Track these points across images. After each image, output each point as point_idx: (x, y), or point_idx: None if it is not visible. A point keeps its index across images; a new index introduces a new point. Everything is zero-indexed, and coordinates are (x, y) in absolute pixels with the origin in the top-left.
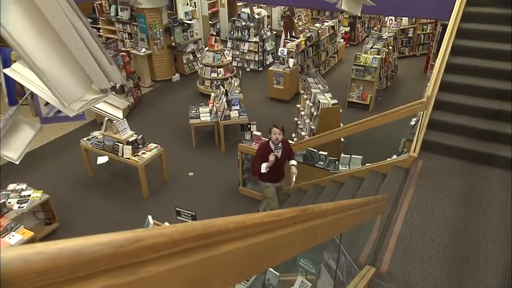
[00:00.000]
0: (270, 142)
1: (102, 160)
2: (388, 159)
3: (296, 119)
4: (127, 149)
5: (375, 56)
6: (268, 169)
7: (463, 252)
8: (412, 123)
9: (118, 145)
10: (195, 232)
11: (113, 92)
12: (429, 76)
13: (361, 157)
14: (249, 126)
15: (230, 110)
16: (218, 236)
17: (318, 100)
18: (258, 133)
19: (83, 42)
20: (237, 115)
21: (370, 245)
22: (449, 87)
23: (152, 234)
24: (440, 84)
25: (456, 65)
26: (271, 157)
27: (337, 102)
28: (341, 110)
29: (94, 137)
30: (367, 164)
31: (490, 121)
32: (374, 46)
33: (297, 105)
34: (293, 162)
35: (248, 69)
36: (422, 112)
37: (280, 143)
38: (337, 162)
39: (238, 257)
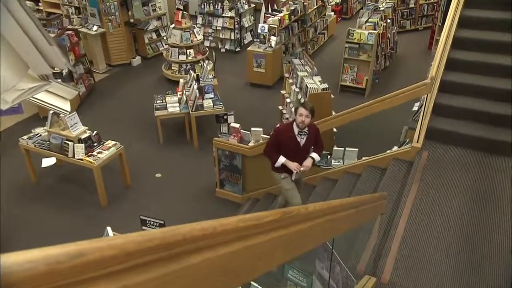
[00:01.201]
0: (294, 125)
1: (48, 162)
2: (388, 151)
3: (280, 107)
4: (79, 149)
5: (371, 31)
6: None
7: (476, 257)
8: (415, 108)
9: (68, 144)
10: (153, 242)
11: (59, 80)
12: (434, 53)
13: (357, 150)
14: (225, 117)
15: (203, 99)
16: (182, 246)
17: (306, 85)
18: (237, 125)
19: (13, 18)
20: (211, 104)
21: (369, 251)
22: (457, 65)
23: (98, 246)
24: (446, 62)
25: (465, 40)
26: (292, 165)
27: (327, 86)
28: (332, 96)
29: (37, 134)
30: (363, 158)
31: (504, 104)
32: (369, 20)
33: (282, 91)
34: (314, 154)
35: (223, 50)
36: (426, 96)
37: (306, 128)
38: (329, 156)
39: (208, 270)
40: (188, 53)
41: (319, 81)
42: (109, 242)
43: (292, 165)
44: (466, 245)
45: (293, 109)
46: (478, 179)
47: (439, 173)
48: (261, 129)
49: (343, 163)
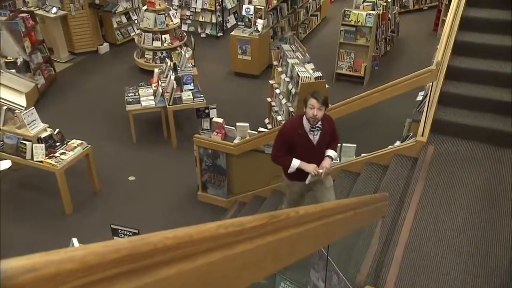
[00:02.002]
0: (304, 119)
1: (2, 165)
2: (390, 146)
3: (269, 99)
4: (39, 149)
5: (369, 12)
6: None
7: (490, 263)
8: (419, 98)
9: (25, 144)
10: (120, 253)
11: (12, 71)
12: (440, 36)
13: (355, 145)
14: (207, 111)
15: (181, 91)
16: (154, 257)
17: (297, 73)
18: (220, 120)
19: None
20: (191, 97)
21: (371, 259)
22: (465, 49)
23: (54, 259)
24: (453, 45)
25: (475, 20)
26: (310, 167)
27: (321, 75)
28: (327, 86)
29: None
30: (362, 155)
31: None
32: None
33: (270, 81)
34: (331, 152)
35: (203, 35)
36: (431, 84)
37: (319, 122)
38: None
39: (184, 284)
40: (163, 39)
41: (312, 69)
42: (67, 254)
43: (310, 167)
44: (478, 250)
45: (283, 101)
46: (491, 176)
47: (446, 170)
48: (247, 124)
49: (340, 161)
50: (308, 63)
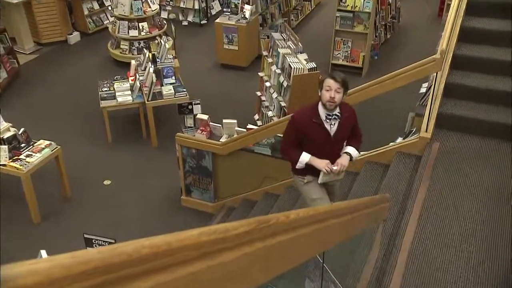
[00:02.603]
0: (320, 106)
1: None
2: (391, 143)
3: (259, 93)
4: (2, 151)
5: None
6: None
7: (502, 270)
8: (423, 90)
9: None
10: (89, 265)
11: None
12: (445, 22)
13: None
14: (190, 107)
15: (162, 85)
16: (128, 268)
17: (289, 65)
18: (205, 117)
19: None
20: (173, 91)
21: (371, 266)
22: (472, 36)
23: (17, 273)
24: (459, 32)
25: (483, 3)
26: (321, 164)
27: (316, 66)
28: (322, 77)
29: None
30: (361, 153)
31: None
32: None
33: (259, 73)
34: (351, 149)
35: (185, 23)
36: (435, 74)
37: (337, 109)
38: None
39: None
40: (140, 27)
41: (305, 59)
42: (31, 267)
43: (321, 164)
44: (488, 256)
45: (274, 95)
46: (502, 175)
47: (453, 169)
48: (235, 121)
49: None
50: (301, 53)
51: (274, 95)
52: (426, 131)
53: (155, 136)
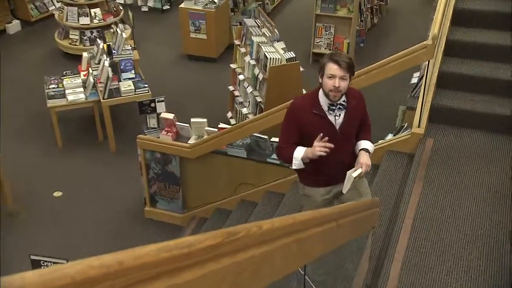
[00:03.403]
0: (321, 94)
1: None
2: (380, 141)
3: (231, 88)
4: None
5: None
6: (307, 160)
7: (504, 280)
8: (414, 81)
9: None
10: None
11: None
12: (437, 4)
13: None
14: (153, 105)
15: (119, 81)
16: None
17: (265, 55)
18: (170, 116)
19: None
20: (132, 88)
21: (361, 279)
22: (467, 18)
23: None
24: (453, 14)
25: None
26: (312, 150)
27: (294, 56)
28: (302, 69)
29: None
30: None
31: None
32: None
33: (232, 65)
34: (365, 144)
35: (144, 9)
36: (427, 63)
37: (343, 97)
38: None
39: None
40: (93, 14)
41: (283, 48)
42: None
43: (312, 150)
44: (491, 264)
45: (248, 90)
46: (503, 173)
47: (449, 168)
48: (205, 120)
49: None
50: (277, 41)
51: (249, 89)
52: (419, 126)
53: (113, 139)
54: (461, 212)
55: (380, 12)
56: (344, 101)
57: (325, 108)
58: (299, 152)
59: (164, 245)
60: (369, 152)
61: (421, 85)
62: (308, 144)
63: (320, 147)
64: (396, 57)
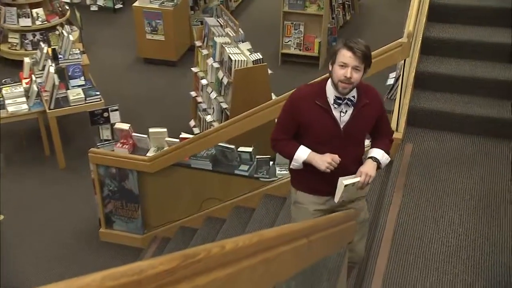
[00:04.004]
0: (329, 85)
1: None
2: None
3: (193, 93)
4: None
5: None
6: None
7: None
8: (390, 82)
9: None
10: None
11: None
12: None
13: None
14: (106, 114)
15: (67, 88)
16: None
17: (229, 57)
18: (125, 126)
19: None
20: (82, 96)
21: None
22: (444, 13)
23: None
24: (429, 10)
25: None
26: (321, 159)
27: (262, 57)
28: (270, 71)
29: None
30: None
31: None
32: None
33: (193, 69)
34: (377, 152)
35: (94, 8)
36: (403, 62)
37: (353, 92)
38: (271, 163)
39: None
40: (35, 14)
41: (249, 50)
42: None
43: (321, 160)
44: (477, 276)
45: (212, 95)
46: (487, 178)
47: (430, 174)
48: (164, 130)
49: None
50: (242, 42)
51: (213, 95)
52: (397, 130)
53: (62, 154)
54: (444, 222)
55: (352, 8)
56: (353, 97)
57: (330, 101)
58: (303, 153)
59: (111, 272)
60: (378, 163)
61: (398, 86)
62: (306, 139)
63: (327, 163)
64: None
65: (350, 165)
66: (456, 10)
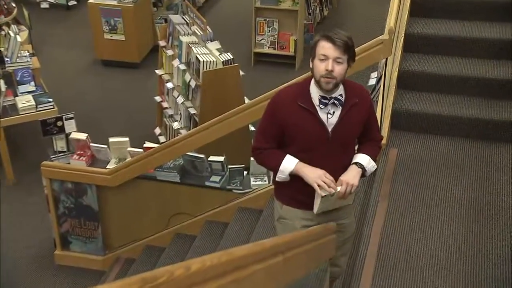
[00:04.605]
0: (312, 85)
1: None
2: None
3: (158, 98)
4: None
5: None
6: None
7: None
8: (372, 82)
9: None
10: None
11: None
12: None
13: None
14: (60, 123)
15: (15, 95)
16: None
17: (197, 58)
18: (82, 136)
19: None
20: (33, 103)
21: None
22: (427, 8)
23: None
24: (410, 4)
25: None
26: (313, 174)
27: (232, 57)
28: (242, 73)
29: None
30: None
31: (507, 63)
32: None
33: (157, 71)
34: (363, 158)
35: (45, 5)
36: (385, 60)
37: (340, 90)
38: (245, 173)
39: None
40: None
41: (218, 49)
42: None
43: (312, 174)
44: None
45: (179, 100)
46: (478, 185)
47: (417, 182)
48: (126, 139)
49: (269, 182)
50: (211, 41)
51: (180, 99)
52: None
53: (10, 168)
54: (432, 234)
55: (330, 2)
56: (341, 95)
57: (315, 101)
58: (290, 164)
59: None
60: (363, 170)
61: (380, 87)
62: (290, 147)
63: (319, 181)
64: None
65: (339, 174)
66: (441, 3)
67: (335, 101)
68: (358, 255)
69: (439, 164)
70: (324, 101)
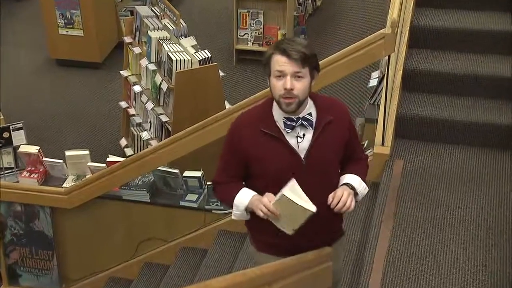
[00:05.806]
0: (275, 106)
1: None
2: None
3: (124, 104)
4: None
5: None
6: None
7: None
8: (373, 83)
9: None
10: None
11: None
12: None
13: None
14: (7, 135)
15: None
16: None
17: (168, 56)
18: (34, 150)
19: None
20: None
21: None
22: None
23: None
24: None
25: None
26: (255, 201)
27: (210, 56)
28: (222, 73)
29: None
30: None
31: None
32: None
33: (122, 72)
34: (352, 178)
35: None
36: (387, 58)
37: (308, 108)
38: None
39: None
40: None
41: (193, 46)
42: None
43: (257, 202)
44: None
45: (148, 106)
46: (497, 202)
47: (426, 199)
48: (86, 152)
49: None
50: (185, 36)
51: (149, 105)
52: (383, 144)
53: None
54: (445, 260)
55: None
56: (309, 114)
57: (281, 125)
58: (244, 198)
59: None
60: (354, 190)
61: (383, 89)
62: (259, 179)
63: (261, 206)
64: (346, 52)
65: (326, 207)
66: None
67: (304, 122)
68: (360, 283)
69: (452, 178)
70: (290, 123)
